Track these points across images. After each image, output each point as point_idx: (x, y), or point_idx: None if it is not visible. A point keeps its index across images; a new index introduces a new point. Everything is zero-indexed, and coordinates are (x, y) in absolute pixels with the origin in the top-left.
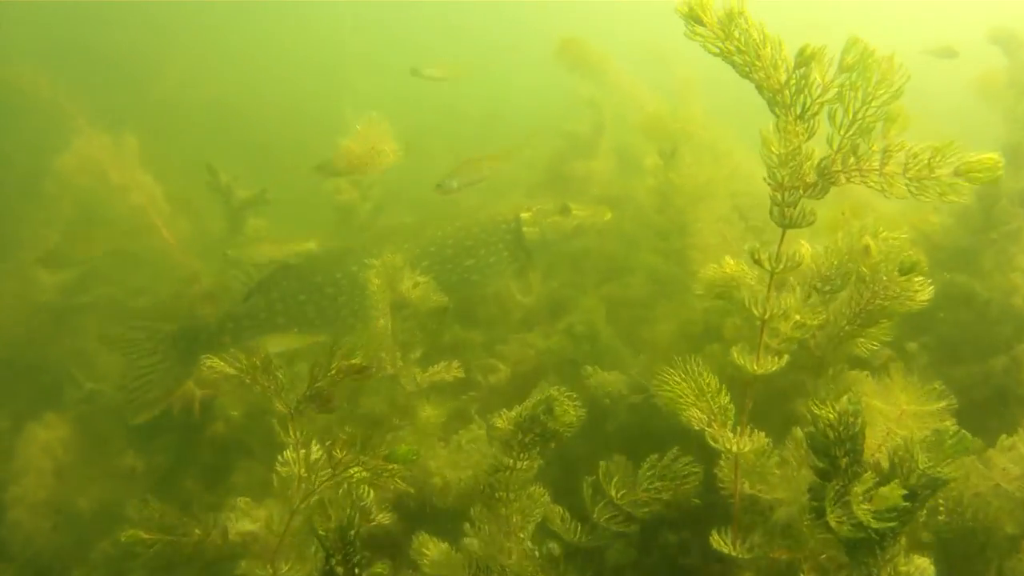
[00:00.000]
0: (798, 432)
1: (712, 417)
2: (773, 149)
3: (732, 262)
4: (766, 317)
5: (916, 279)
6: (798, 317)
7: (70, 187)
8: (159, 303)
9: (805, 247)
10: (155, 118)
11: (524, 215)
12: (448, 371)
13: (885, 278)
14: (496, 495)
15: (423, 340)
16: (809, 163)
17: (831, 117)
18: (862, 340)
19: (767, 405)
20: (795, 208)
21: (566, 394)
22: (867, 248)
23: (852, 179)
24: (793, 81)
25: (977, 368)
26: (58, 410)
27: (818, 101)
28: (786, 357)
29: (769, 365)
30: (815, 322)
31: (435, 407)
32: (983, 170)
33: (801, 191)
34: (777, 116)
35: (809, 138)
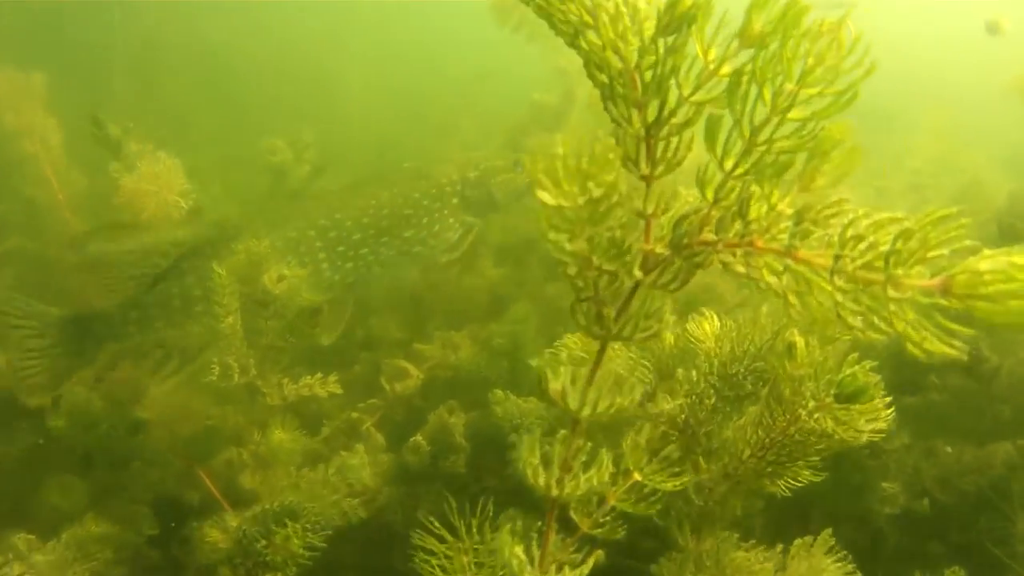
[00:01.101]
0: None
1: None
2: (554, 200)
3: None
4: (555, 495)
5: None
6: (638, 476)
7: None
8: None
9: (708, 324)
10: (77, 60)
11: (470, 175)
12: (323, 386)
13: (813, 402)
14: None
15: (293, 345)
16: (669, 215)
17: (708, 135)
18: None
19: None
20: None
21: (309, 505)
22: (791, 348)
23: (734, 265)
24: (652, 58)
25: (971, 452)
26: None
27: (692, 100)
28: (598, 556)
29: None
30: (670, 486)
31: (288, 431)
32: (991, 292)
33: (634, 276)
34: (615, 123)
35: (669, 172)
